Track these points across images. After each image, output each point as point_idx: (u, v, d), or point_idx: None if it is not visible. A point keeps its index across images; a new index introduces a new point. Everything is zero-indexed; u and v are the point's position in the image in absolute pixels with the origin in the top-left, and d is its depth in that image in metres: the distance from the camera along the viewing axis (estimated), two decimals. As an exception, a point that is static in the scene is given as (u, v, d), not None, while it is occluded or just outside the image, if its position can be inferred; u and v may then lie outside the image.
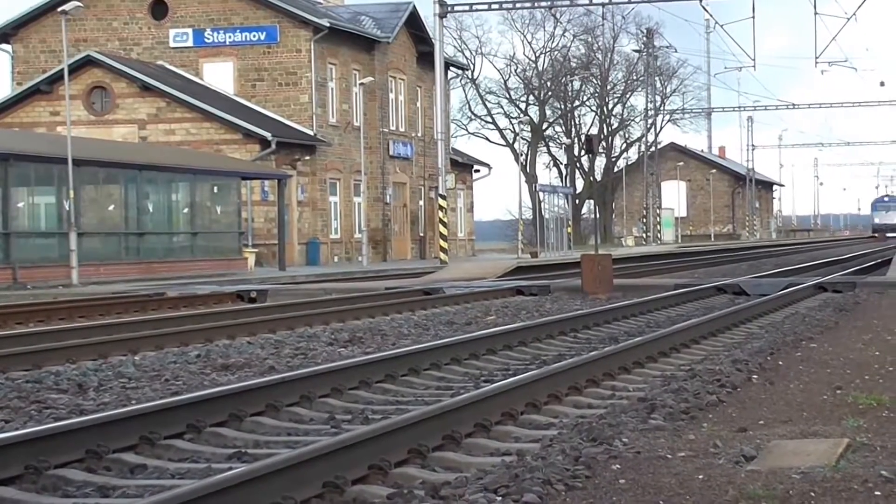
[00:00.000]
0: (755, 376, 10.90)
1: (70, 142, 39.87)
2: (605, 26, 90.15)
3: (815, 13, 42.64)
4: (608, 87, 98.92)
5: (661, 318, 19.08)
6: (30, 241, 42.18)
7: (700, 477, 6.52)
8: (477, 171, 79.62)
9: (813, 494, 5.99)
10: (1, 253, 40.13)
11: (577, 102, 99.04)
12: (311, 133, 59.13)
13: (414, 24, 66.32)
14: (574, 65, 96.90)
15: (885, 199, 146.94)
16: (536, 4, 52.54)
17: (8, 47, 60.54)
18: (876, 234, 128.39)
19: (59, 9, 47.31)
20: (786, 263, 42.17)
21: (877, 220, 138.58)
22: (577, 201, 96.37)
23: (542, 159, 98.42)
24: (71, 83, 47.08)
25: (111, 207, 46.45)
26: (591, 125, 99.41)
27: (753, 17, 48.50)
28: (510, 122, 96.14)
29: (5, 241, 40.66)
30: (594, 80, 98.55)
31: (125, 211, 47.05)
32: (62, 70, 45.97)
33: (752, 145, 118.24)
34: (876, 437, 7.48)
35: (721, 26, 48.95)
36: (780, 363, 11.95)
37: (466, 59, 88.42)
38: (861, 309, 19.46)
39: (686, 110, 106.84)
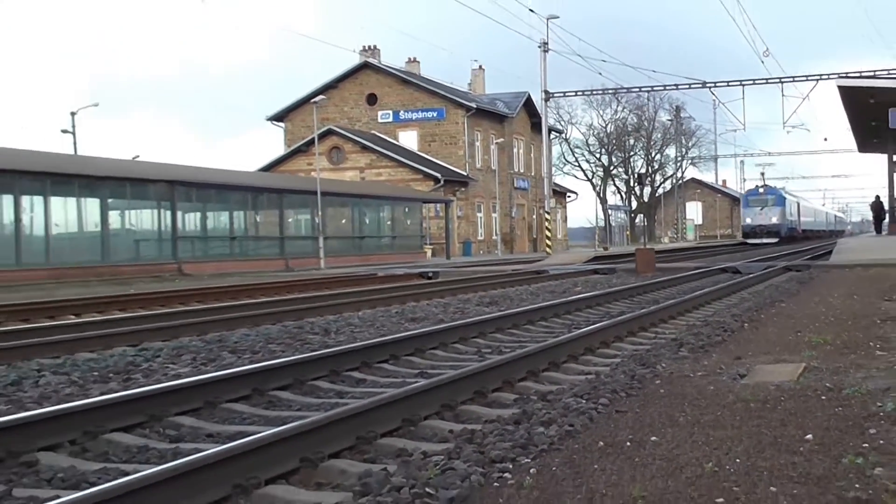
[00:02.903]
0: (746, 325, 10.71)
1: (318, 181, 40.61)
2: (649, 105, 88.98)
3: (783, 95, 41.63)
4: (651, 143, 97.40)
5: (686, 289, 18.78)
6: (295, 242, 42.99)
7: (711, 388, 6.45)
8: (569, 196, 79.48)
9: (782, 399, 5.91)
10: (279, 249, 41.06)
11: (632, 153, 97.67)
12: (465, 174, 59.41)
13: (529, 104, 66.24)
14: (629, 129, 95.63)
15: (760, 190, 68.08)
16: (605, 92, 52.02)
17: (282, 124, 61.85)
18: (747, 241, 63.80)
19: (312, 101, 48.40)
20: (765, 254, 41.08)
21: (748, 221, 66.06)
22: (632, 215, 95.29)
23: (610, 188, 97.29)
24: (319, 145, 47.93)
25: (343, 221, 47.19)
26: (641, 167, 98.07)
27: (743, 98, 47.46)
28: (589, 165, 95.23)
29: (281, 242, 41.66)
30: (642, 139, 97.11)
31: (352, 223, 47.84)
32: (314, 138, 46.86)
33: (744, 179, 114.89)
34: (823, 363, 7.35)
35: (723, 104, 48.06)
36: (762, 316, 11.72)
37: (561, 126, 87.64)
38: (814, 282, 18.95)
39: (701, 157, 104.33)
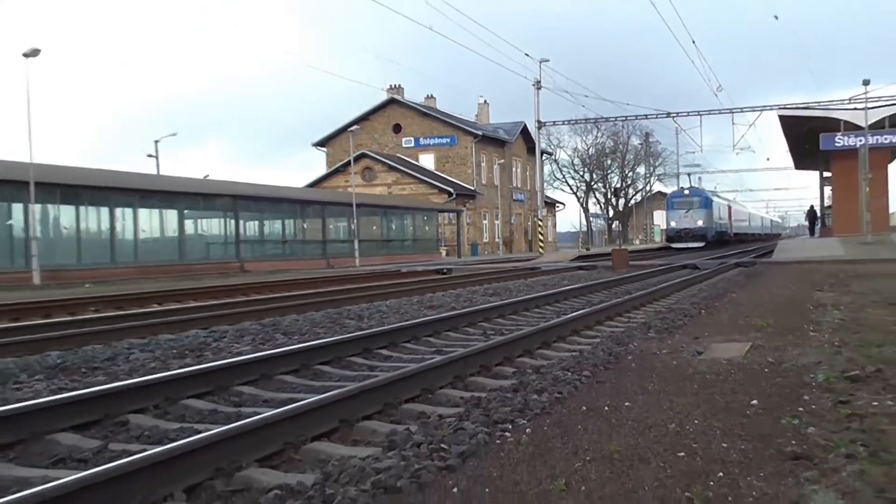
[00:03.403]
0: (703, 311, 10.68)
1: (354, 195, 40.66)
2: (623, 131, 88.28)
3: (733, 123, 41.35)
4: (625, 162, 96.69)
5: (654, 282, 18.71)
6: (335, 244, 43.05)
7: (674, 362, 6.43)
8: (557, 206, 79.28)
9: (732, 371, 5.90)
10: (322, 250, 41.10)
11: (609, 171, 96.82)
12: (473, 189, 59.31)
13: (525, 132, 66.05)
14: (607, 151, 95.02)
15: (685, 192, 51.63)
16: (587, 121, 51.94)
17: (324, 149, 61.85)
18: (671, 245, 49.46)
19: (348, 130, 48.54)
20: (719, 253, 40.85)
21: (672, 224, 50.48)
22: (609, 221, 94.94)
23: (592, 200, 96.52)
24: (354, 166, 47.99)
25: (374, 227, 47.21)
26: (616, 182, 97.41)
27: (700, 125, 47.53)
28: (574, 181, 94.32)
29: (323, 245, 41.66)
30: (618, 159, 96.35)
31: (381, 229, 47.82)
32: (350, 160, 46.93)
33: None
34: (766, 342, 7.32)
35: (684, 130, 48.02)
36: (716, 304, 11.68)
37: (551, 149, 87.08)
38: (759, 276, 18.88)
39: (666, 174, 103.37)
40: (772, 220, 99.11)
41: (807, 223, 54.19)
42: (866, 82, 33.62)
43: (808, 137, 39.14)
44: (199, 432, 4.33)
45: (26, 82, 25.38)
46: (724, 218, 54.39)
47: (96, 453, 4.40)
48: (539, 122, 42.72)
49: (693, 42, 56.05)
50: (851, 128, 35.55)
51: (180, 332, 10.06)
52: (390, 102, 61.13)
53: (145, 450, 3.99)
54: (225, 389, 6.05)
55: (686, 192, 50.59)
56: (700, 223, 48.20)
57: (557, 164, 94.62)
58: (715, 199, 52.70)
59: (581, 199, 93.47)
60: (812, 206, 52.66)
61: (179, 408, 5.54)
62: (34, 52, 24.86)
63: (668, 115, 44.00)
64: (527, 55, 53.66)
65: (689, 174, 62.54)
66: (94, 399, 5.17)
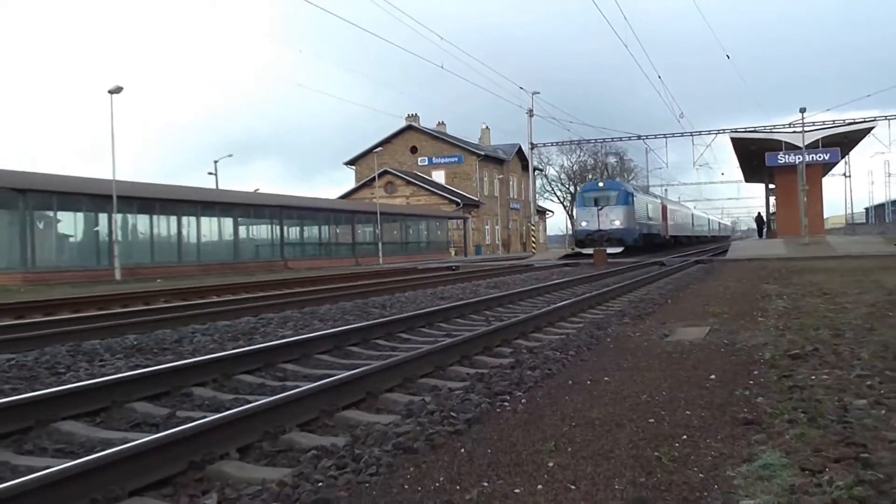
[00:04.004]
0: (669, 300, 10.61)
1: (378, 206, 40.61)
2: (601, 151, 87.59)
3: (693, 144, 41.18)
4: (603, 178, 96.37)
5: (628, 276, 18.59)
6: (362, 246, 43.03)
7: (645, 343, 6.40)
8: (547, 214, 79.02)
9: (694, 351, 5.85)
10: (351, 251, 41.09)
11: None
12: (477, 199, 59.20)
13: (520, 152, 65.83)
14: (588, 168, 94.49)
15: (599, 185, 32.78)
16: (572, 143, 51.67)
17: (353, 167, 61.83)
18: (581, 251, 30.56)
19: (373, 151, 48.45)
20: (683, 251, 40.62)
21: (583, 224, 30.80)
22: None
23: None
24: (378, 181, 47.94)
25: (395, 232, 47.18)
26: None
27: (666, 146, 47.26)
28: (561, 192, 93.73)
29: (353, 246, 41.64)
30: (597, 174, 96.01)
31: (401, 233, 47.79)
32: (375, 176, 46.89)
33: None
34: (722, 327, 7.27)
35: (652, 150, 47.80)
36: (680, 295, 11.61)
37: (542, 165, 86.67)
38: (715, 271, 18.75)
39: (637, 188, 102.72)
40: (720, 223, 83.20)
41: (755, 227, 53.96)
42: (803, 110, 33.55)
43: (755, 155, 38.98)
44: (250, 402, 4.32)
45: (111, 114, 25.30)
46: (656, 218, 40.19)
47: (166, 419, 4.41)
48: (532, 143, 42.62)
49: (659, 77, 55.92)
50: (791, 147, 35.37)
51: (235, 319, 10.06)
52: (408, 128, 61.11)
53: (206, 416, 3.99)
54: (271, 366, 6.05)
55: (601, 185, 34.24)
56: (617, 223, 32.20)
57: (547, 179, 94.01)
58: (639, 195, 36.36)
59: (567, 208, 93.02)
60: (759, 213, 52.44)
61: (234, 382, 5.54)
62: (118, 89, 25.04)
63: (639, 137, 43.85)
64: (521, 88, 53.85)
65: (606, 164, 46.24)
66: (164, 374, 5.18)
